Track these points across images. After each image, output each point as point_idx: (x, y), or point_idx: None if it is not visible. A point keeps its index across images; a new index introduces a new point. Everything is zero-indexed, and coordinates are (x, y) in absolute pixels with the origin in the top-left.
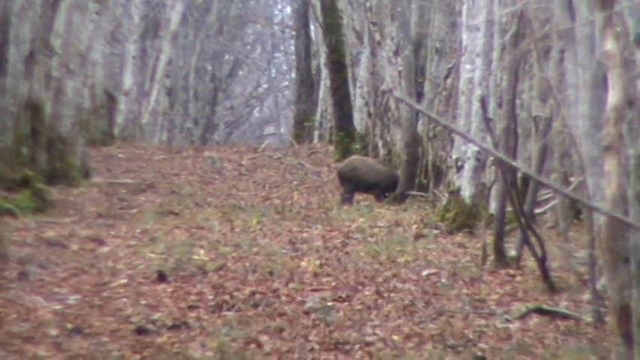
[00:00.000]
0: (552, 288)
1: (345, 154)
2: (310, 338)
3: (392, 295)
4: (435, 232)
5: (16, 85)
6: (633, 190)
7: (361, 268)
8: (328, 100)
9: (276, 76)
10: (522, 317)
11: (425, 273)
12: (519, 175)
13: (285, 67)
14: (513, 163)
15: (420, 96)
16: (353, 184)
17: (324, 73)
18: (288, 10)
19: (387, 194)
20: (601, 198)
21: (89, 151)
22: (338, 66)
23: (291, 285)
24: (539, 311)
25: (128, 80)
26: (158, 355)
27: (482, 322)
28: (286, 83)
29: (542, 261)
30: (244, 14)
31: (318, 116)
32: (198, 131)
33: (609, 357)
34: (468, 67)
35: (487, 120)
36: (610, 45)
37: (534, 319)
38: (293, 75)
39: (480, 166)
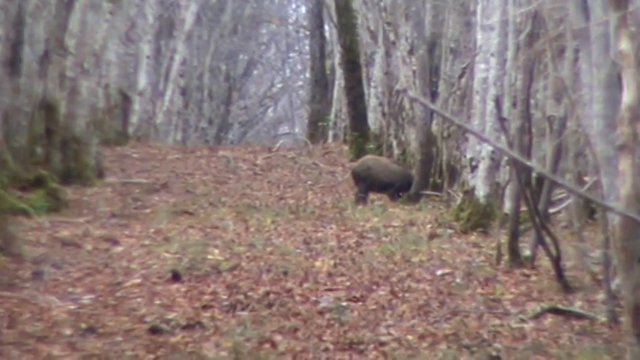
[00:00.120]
0: (567, 288)
1: (359, 153)
2: (324, 338)
3: (406, 294)
4: (450, 231)
5: (31, 84)
6: None
7: (375, 267)
8: (342, 100)
9: (290, 75)
10: (537, 317)
11: (439, 273)
12: (534, 174)
13: (299, 67)
14: (528, 163)
15: (434, 96)
16: (367, 183)
17: (339, 72)
18: (303, 9)
19: (401, 194)
20: (615, 197)
21: (103, 151)
22: (352, 66)
23: (305, 285)
24: (554, 311)
25: (142, 80)
26: (172, 354)
27: (497, 321)
28: (301, 83)
29: (556, 261)
30: (259, 14)
31: (332, 116)
32: (213, 131)
33: (624, 357)
34: (482, 66)
35: (501, 120)
36: (624, 45)
37: (549, 319)
38: (307, 75)
39: (494, 166)
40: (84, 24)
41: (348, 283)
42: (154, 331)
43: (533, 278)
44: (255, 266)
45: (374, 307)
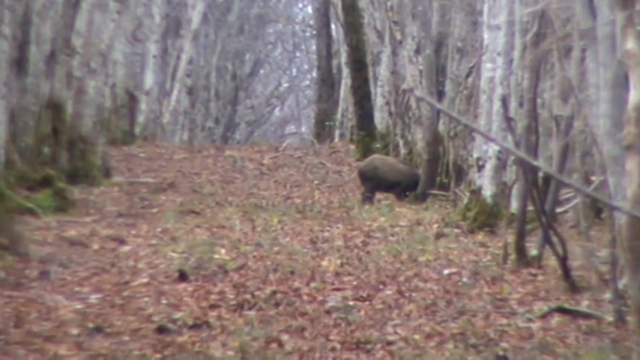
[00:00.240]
0: (574, 287)
1: (365, 153)
2: (331, 337)
3: (413, 294)
4: (456, 231)
5: (38, 84)
6: None
7: (382, 267)
8: (349, 100)
9: (297, 75)
10: (544, 316)
11: (446, 272)
12: (541, 174)
13: (306, 67)
14: (535, 163)
15: (441, 95)
16: (374, 183)
17: (345, 72)
18: (309, 9)
19: (407, 193)
20: (622, 197)
21: (110, 151)
22: (359, 65)
23: (312, 284)
24: (561, 310)
25: (149, 79)
26: (179, 354)
27: (504, 321)
28: (307, 82)
29: (563, 260)
30: (265, 13)
31: (339, 115)
32: (220, 130)
33: (631, 356)
34: (489, 66)
35: (508, 119)
36: (631, 44)
37: (556, 319)
38: (314, 74)
39: (501, 166)
40: (91, 23)
41: (355, 283)
42: (161, 330)
43: (540, 278)
44: (262, 266)
45: (381, 306)
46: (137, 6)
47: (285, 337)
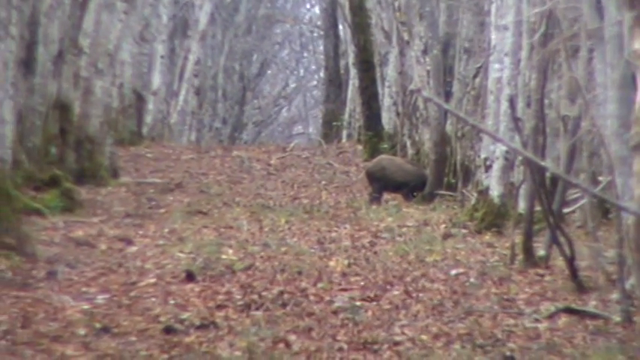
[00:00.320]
0: (581, 287)
1: (373, 153)
2: (339, 338)
3: (420, 294)
4: (464, 231)
5: (45, 84)
6: None
7: (390, 267)
8: (357, 100)
9: (304, 75)
10: (551, 317)
11: (453, 272)
12: (548, 174)
13: (313, 67)
14: (542, 163)
15: (448, 95)
16: (381, 183)
17: (353, 72)
18: (317, 9)
19: (415, 194)
20: (629, 197)
21: (117, 151)
22: (366, 65)
23: (319, 284)
24: (568, 311)
25: (157, 80)
26: (186, 354)
27: (511, 321)
28: (315, 83)
29: (570, 260)
30: (273, 14)
31: (346, 116)
32: (227, 131)
33: (638, 356)
34: (496, 66)
35: (516, 119)
36: (638, 44)
37: (563, 319)
38: (321, 74)
39: (508, 166)
40: (98, 24)
41: (362, 283)
42: (168, 330)
43: (548, 278)
44: (269, 266)
45: (388, 306)
46: (144, 6)
47: (292, 338)
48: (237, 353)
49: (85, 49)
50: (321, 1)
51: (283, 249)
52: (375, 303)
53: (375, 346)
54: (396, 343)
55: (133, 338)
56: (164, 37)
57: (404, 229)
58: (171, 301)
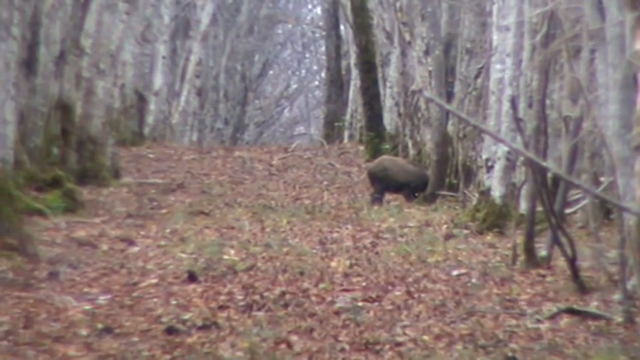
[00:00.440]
0: (583, 288)
1: (375, 154)
2: (340, 338)
3: (422, 295)
4: (465, 232)
5: (47, 85)
6: None
7: (391, 268)
8: (358, 100)
9: (306, 76)
10: (553, 317)
11: (455, 273)
12: (549, 175)
13: (315, 67)
14: (543, 164)
15: (450, 96)
16: (383, 184)
17: (354, 73)
18: (319, 10)
19: (417, 194)
20: (631, 198)
21: (119, 151)
22: (368, 66)
23: (321, 285)
24: (570, 311)
25: (158, 80)
26: (188, 355)
27: (513, 322)
28: (316, 83)
29: (572, 261)
30: (274, 14)
31: (348, 116)
32: (229, 131)
33: None
34: (498, 67)
35: (517, 120)
36: None
37: (565, 320)
38: (323, 75)
39: (510, 166)
40: (100, 24)
41: (364, 284)
42: (170, 331)
43: (549, 279)
44: (271, 267)
45: (390, 307)
46: (146, 7)
47: (294, 338)
48: (239, 354)
49: (86, 49)
50: (323, 1)
51: (285, 249)
52: (376, 303)
53: (377, 347)
54: (398, 344)
55: (135, 339)
56: (166, 38)
57: (405, 230)
58: (173, 302)
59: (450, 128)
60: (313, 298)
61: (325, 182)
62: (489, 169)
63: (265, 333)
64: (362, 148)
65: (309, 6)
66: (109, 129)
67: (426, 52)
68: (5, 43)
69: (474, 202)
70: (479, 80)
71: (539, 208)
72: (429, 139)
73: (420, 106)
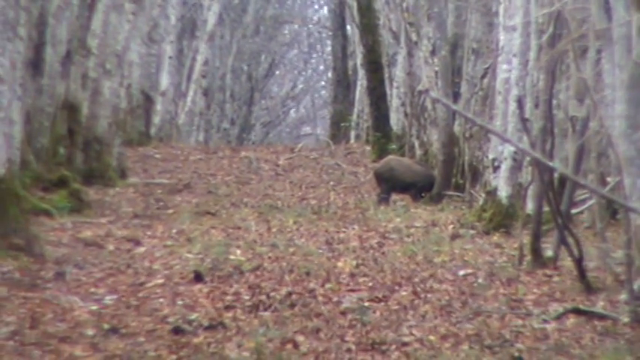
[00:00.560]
0: (589, 288)
1: (381, 154)
2: (347, 338)
3: (428, 295)
4: (472, 232)
5: (53, 85)
6: None
7: (398, 268)
8: (365, 101)
9: (312, 76)
10: (559, 317)
11: (461, 273)
12: (556, 175)
13: (321, 68)
14: (550, 164)
15: (456, 96)
16: (390, 184)
17: (361, 73)
18: (325, 10)
19: (423, 194)
20: (638, 198)
21: (126, 152)
22: (375, 66)
23: (327, 285)
24: (576, 311)
25: (165, 81)
26: (195, 355)
27: (519, 322)
28: (323, 83)
29: (579, 261)
30: (281, 14)
31: (354, 116)
32: (235, 131)
33: None
34: (504, 67)
35: (524, 120)
36: None
37: (571, 320)
38: (329, 75)
39: (516, 167)
40: (106, 25)
41: (370, 284)
42: (177, 331)
43: (556, 279)
44: (277, 267)
45: (396, 307)
46: (153, 7)
47: (300, 338)
48: (246, 354)
49: (93, 49)
50: (330, 1)
51: (291, 250)
52: (383, 304)
53: (383, 347)
54: (404, 344)
55: (142, 339)
56: (172, 38)
57: (412, 230)
58: (180, 302)
59: (457, 128)
60: (320, 298)
61: (332, 182)
62: (496, 169)
63: (272, 333)
64: (368, 148)
65: (316, 6)
66: (116, 129)
67: (433, 53)
68: (12, 43)
69: (481, 202)
70: (485, 80)
71: (546, 209)
72: (436, 140)
73: (426, 106)
